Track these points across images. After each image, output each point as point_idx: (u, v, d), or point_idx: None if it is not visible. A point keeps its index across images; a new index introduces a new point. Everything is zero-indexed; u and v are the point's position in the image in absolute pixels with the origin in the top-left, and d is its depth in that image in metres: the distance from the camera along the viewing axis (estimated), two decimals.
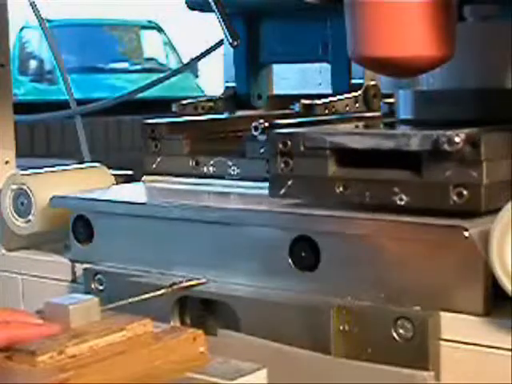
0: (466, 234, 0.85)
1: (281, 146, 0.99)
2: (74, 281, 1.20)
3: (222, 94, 1.47)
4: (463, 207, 0.88)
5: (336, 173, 0.96)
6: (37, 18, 2.16)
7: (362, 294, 0.93)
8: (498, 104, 1.02)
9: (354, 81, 1.33)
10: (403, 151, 0.91)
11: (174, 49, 6.88)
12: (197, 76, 6.56)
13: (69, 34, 5.93)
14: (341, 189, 0.95)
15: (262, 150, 1.18)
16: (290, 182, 0.99)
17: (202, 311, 1.05)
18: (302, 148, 0.97)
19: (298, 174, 0.98)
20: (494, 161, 0.89)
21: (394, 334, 0.89)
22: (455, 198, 0.88)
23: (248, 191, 1.18)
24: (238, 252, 1.03)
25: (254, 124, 1.18)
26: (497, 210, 0.87)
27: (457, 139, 0.87)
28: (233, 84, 1.47)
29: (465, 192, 0.88)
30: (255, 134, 1.18)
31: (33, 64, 6.48)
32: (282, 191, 0.99)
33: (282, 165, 0.99)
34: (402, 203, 0.91)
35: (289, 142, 0.98)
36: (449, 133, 0.88)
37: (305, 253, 0.97)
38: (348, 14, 0.95)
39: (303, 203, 1.03)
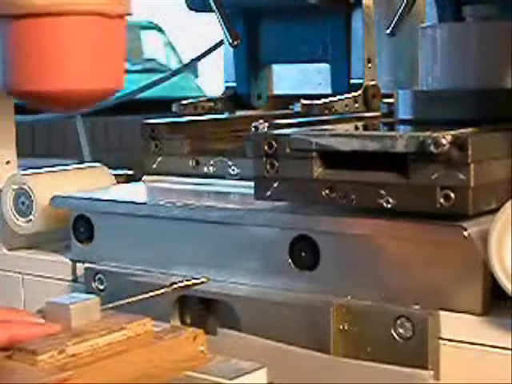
0: (466, 233, 0.85)
1: (266, 147, 0.97)
2: (74, 280, 1.20)
3: (222, 94, 1.47)
4: (450, 210, 0.86)
5: (322, 175, 0.95)
6: None
7: (362, 293, 0.93)
8: (498, 104, 1.02)
9: (353, 81, 1.33)
10: (390, 153, 0.90)
11: (174, 49, 6.88)
12: (197, 76, 6.56)
13: None
14: (327, 191, 0.94)
15: None
16: (275, 184, 0.97)
17: (202, 310, 1.05)
18: (287, 150, 0.96)
19: (283, 175, 0.96)
20: (482, 163, 0.87)
21: (394, 334, 0.89)
22: (442, 200, 0.87)
23: (248, 191, 1.18)
24: (238, 251, 1.03)
25: (253, 124, 1.18)
26: (485, 213, 0.87)
27: (443, 141, 0.85)
28: (233, 84, 1.47)
29: (452, 195, 0.86)
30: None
31: None
32: (268, 193, 0.98)
33: (268, 166, 0.97)
34: (389, 206, 0.90)
35: (274, 144, 0.97)
36: (435, 134, 0.86)
37: (304, 252, 0.98)
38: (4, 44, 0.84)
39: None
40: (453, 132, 0.87)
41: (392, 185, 0.90)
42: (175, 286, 0.95)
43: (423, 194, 0.88)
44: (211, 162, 1.25)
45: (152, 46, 6.89)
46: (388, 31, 1.21)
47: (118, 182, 1.32)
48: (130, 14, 0.85)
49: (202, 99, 1.44)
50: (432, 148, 0.86)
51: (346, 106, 1.29)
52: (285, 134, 0.97)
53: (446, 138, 0.86)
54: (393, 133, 0.93)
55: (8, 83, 0.83)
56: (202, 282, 0.97)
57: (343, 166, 0.94)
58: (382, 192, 0.90)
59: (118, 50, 0.86)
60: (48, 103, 0.84)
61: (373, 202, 0.91)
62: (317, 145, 0.95)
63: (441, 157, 0.86)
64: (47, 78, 0.81)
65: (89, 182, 1.27)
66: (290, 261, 0.99)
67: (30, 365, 0.77)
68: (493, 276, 0.84)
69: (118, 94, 2.31)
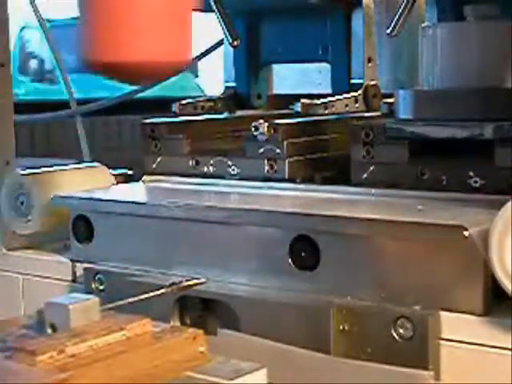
0: (466, 233, 0.85)
1: (363, 136, 1.09)
2: (74, 280, 1.19)
3: (222, 94, 1.47)
4: None
5: (414, 159, 1.06)
6: (37, 18, 2.16)
7: (362, 293, 0.93)
8: (498, 103, 1.02)
9: (353, 81, 1.33)
10: (477, 140, 1.01)
11: None
12: (197, 76, 6.55)
13: (69, 34, 5.91)
14: (419, 174, 1.06)
15: (261, 150, 1.18)
16: (371, 168, 1.09)
17: (202, 311, 1.05)
18: (383, 138, 1.08)
19: (378, 161, 1.09)
20: None
21: (394, 334, 0.89)
22: None
23: (248, 191, 1.18)
24: (238, 251, 1.03)
25: (254, 124, 1.18)
26: None
27: None
28: (233, 84, 1.47)
29: None
30: (255, 133, 1.18)
31: (33, 64, 6.46)
32: (364, 176, 1.10)
33: (364, 153, 1.09)
34: (477, 185, 1.02)
35: (371, 133, 1.08)
36: None
37: (305, 252, 0.97)
38: (82, 14, 0.86)
39: (303, 203, 1.03)
40: None
41: (480, 167, 1.02)
42: (175, 286, 0.95)
43: (508, 175, 0.99)
44: (211, 162, 1.25)
45: None
46: (388, 31, 1.21)
47: (117, 182, 1.31)
48: None
49: (201, 99, 1.44)
50: None
51: (346, 105, 1.29)
52: (380, 124, 1.10)
53: None
54: (479, 122, 1.02)
55: (84, 54, 0.85)
56: (202, 282, 0.97)
57: (432, 152, 1.05)
58: (471, 174, 1.02)
59: (188, 22, 0.88)
60: (120, 75, 0.84)
61: (462, 183, 1.03)
62: (411, 133, 1.06)
63: None
64: (121, 50, 0.82)
65: (88, 182, 1.27)
66: (290, 261, 0.98)
67: (29, 365, 0.77)
68: (493, 276, 0.84)
69: (117, 94, 2.31)
